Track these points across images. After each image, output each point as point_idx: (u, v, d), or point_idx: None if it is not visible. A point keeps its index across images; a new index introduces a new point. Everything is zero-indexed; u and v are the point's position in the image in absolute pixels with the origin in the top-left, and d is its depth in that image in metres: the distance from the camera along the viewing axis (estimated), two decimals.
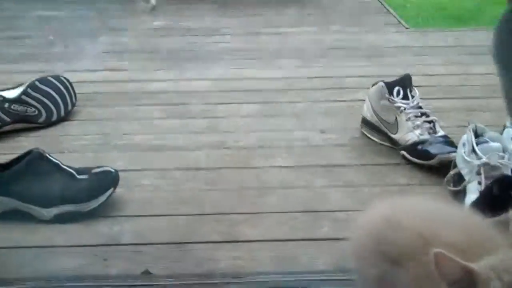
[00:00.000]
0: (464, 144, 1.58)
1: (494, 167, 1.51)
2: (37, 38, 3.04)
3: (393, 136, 1.87)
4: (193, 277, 1.33)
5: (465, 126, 1.65)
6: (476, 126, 1.62)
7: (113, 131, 2.04)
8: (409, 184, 1.71)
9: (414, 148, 1.79)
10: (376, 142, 1.92)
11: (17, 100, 2.02)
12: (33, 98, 2.05)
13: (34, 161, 1.56)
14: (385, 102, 1.88)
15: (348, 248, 1.11)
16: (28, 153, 1.58)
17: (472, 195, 1.48)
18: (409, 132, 1.82)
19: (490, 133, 1.61)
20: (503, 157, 1.51)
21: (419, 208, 1.03)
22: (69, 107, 2.14)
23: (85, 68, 2.60)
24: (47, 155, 1.58)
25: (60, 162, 1.59)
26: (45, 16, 3.44)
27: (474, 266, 0.79)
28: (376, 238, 0.99)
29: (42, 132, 2.03)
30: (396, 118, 1.86)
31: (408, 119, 1.83)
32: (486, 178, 1.50)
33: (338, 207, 1.60)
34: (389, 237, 0.96)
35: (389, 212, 1.01)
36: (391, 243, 0.96)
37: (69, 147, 1.93)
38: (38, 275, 1.34)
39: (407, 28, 3.15)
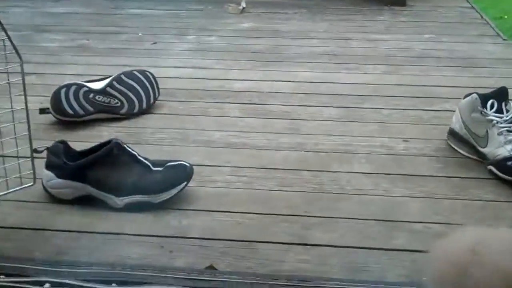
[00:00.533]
0: None
1: None
2: (128, 34, 3.11)
3: (481, 149, 1.77)
4: (258, 276, 1.28)
5: None
6: None
7: (192, 126, 2.03)
8: (495, 200, 1.60)
9: (504, 164, 1.68)
10: (462, 154, 1.82)
11: (102, 92, 2.05)
12: (117, 90, 2.08)
13: (113, 151, 1.57)
14: (477, 114, 1.78)
15: (429, 274, 1.06)
16: (108, 142, 1.59)
17: None
18: (500, 147, 1.72)
19: None
20: None
21: (507, 243, 0.97)
22: (152, 100, 2.15)
23: (171, 65, 2.63)
24: (126, 145, 1.59)
25: (137, 153, 1.60)
26: (136, 13, 3.52)
27: None
28: (458, 271, 0.95)
29: (123, 123, 2.05)
30: (487, 131, 1.76)
31: (500, 133, 1.73)
32: None
33: (416, 218, 1.52)
34: (471, 272, 0.93)
35: (475, 245, 0.97)
36: (472, 278, 0.93)
37: (148, 139, 1.94)
38: (105, 260, 1.34)
39: (504, 40, 3.00)
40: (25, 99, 1.55)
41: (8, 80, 1.55)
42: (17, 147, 1.58)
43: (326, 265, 1.35)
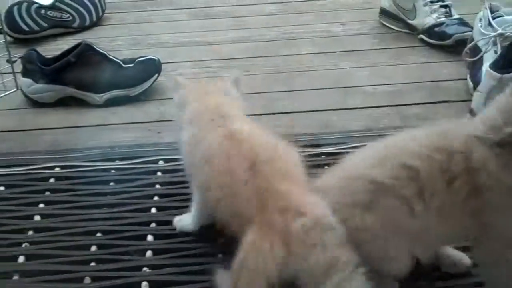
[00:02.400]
0: (480, 19, 1.71)
1: (508, 37, 1.63)
2: None
3: (411, 22, 1.99)
4: None
5: (477, 13, 1.76)
6: (491, 4, 1.74)
7: (143, 32, 2.15)
8: (428, 62, 1.84)
9: (432, 31, 1.91)
10: (395, 29, 2.04)
11: (52, 7, 2.12)
12: (66, 4, 2.15)
13: (84, 52, 1.68)
14: None
15: None
16: (78, 45, 1.70)
17: (488, 62, 1.61)
18: (427, 17, 1.94)
19: (504, 9, 1.73)
20: None
21: None
22: (100, 13, 2.24)
23: None
24: (95, 46, 1.71)
25: (107, 53, 1.72)
26: None
27: None
28: None
29: (78, 36, 2.13)
30: (413, 4, 1.97)
31: (426, 4, 1.95)
32: (501, 47, 1.62)
33: (365, 83, 1.73)
34: None
35: None
36: None
37: (106, 47, 2.03)
38: (102, 145, 1.49)
39: None
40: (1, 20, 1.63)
41: None
42: None
43: (297, 127, 1.55)
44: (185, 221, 1.19)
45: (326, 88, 1.72)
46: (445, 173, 0.93)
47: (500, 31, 1.64)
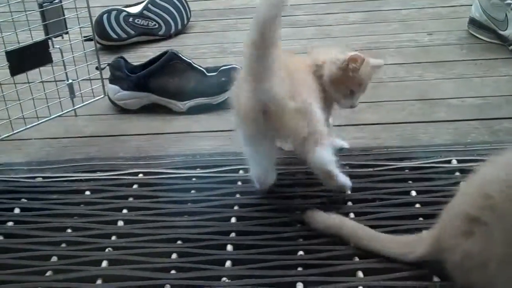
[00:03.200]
0: None
1: None
2: None
3: (502, 33, 1.92)
4: None
5: None
6: None
7: (227, 40, 2.17)
8: None
9: None
10: (484, 40, 1.97)
11: (139, 15, 2.18)
12: (154, 12, 2.20)
13: (170, 60, 1.71)
14: (495, 0, 1.92)
15: None
16: (164, 53, 1.73)
17: None
18: None
19: None
20: None
21: None
22: (185, 21, 2.28)
23: None
24: (181, 54, 1.73)
25: (192, 61, 1.74)
26: None
27: None
28: None
29: (163, 44, 2.18)
30: (506, 15, 1.90)
31: None
32: None
33: (451, 95, 1.68)
34: None
35: None
36: None
37: (190, 55, 2.07)
38: (183, 153, 1.50)
39: None
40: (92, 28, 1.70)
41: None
42: (88, 68, 1.73)
43: (379, 138, 1.52)
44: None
45: (411, 100, 1.68)
46: None
47: None
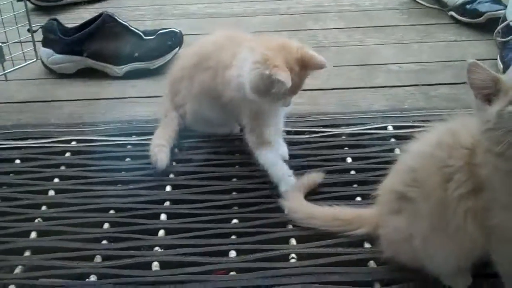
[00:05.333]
0: None
1: None
2: None
3: None
4: None
5: None
6: None
7: (167, 1, 2.11)
8: (457, 40, 1.77)
9: (463, 8, 1.85)
10: (424, 5, 1.98)
11: None
12: None
13: (105, 23, 1.65)
14: None
15: None
16: (99, 16, 1.67)
17: None
18: None
19: None
20: None
21: None
22: None
23: None
24: (116, 17, 1.68)
25: (128, 24, 1.69)
26: None
27: (500, 76, 0.88)
28: None
29: (100, 5, 2.11)
30: None
31: None
32: None
33: (391, 61, 1.68)
34: None
35: None
36: None
37: (128, 16, 2.01)
38: (118, 120, 1.47)
39: None
40: None
41: None
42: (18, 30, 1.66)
43: (319, 104, 1.51)
44: None
45: (350, 65, 1.67)
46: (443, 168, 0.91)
47: None
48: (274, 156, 1.21)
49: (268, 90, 1.14)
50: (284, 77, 1.11)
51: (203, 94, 1.29)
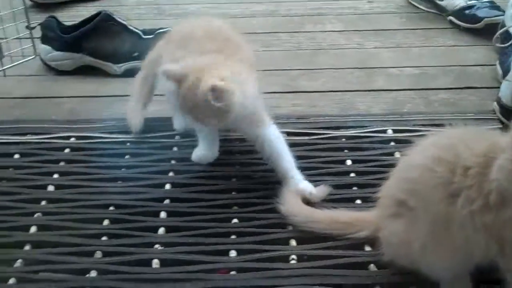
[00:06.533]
0: None
1: None
2: None
3: (440, 3, 1.93)
4: None
5: None
6: None
7: (166, 1, 2.11)
8: (456, 45, 1.78)
9: (462, 13, 1.86)
10: (423, 10, 1.98)
11: None
12: None
13: (104, 21, 1.65)
14: None
15: None
16: (97, 14, 1.67)
17: None
18: None
19: None
20: None
21: None
22: None
23: None
24: (115, 16, 1.68)
25: (127, 23, 1.69)
26: None
27: None
28: None
29: (99, 3, 2.11)
30: None
31: None
32: None
33: (390, 64, 1.69)
34: None
35: None
36: None
37: (127, 15, 2.01)
38: (117, 117, 1.46)
39: None
40: None
41: None
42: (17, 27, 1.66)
43: (317, 106, 1.52)
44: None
45: (349, 68, 1.68)
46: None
47: None
48: None
49: None
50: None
51: None
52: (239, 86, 1.13)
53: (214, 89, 1.08)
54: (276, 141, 1.20)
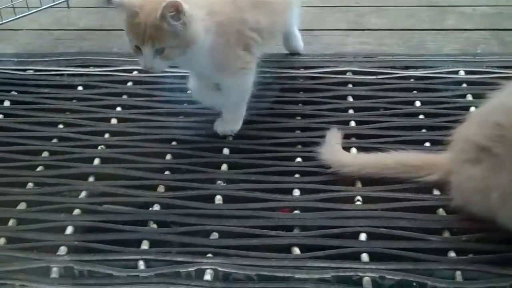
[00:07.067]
0: None
1: None
2: None
3: None
4: (326, 56, 1.40)
5: None
6: None
7: None
8: None
9: None
10: None
11: None
12: None
13: None
14: None
15: None
16: None
17: None
18: None
19: None
20: None
21: None
22: None
23: None
24: None
25: None
26: None
27: None
28: None
29: None
30: None
31: None
32: None
33: (464, 2, 1.61)
34: None
35: None
36: None
37: None
38: None
39: None
40: None
41: None
42: None
43: (385, 45, 1.46)
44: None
45: (420, 6, 1.61)
46: None
47: None
48: None
49: None
50: None
51: None
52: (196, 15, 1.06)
53: (171, 5, 1.02)
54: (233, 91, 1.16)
